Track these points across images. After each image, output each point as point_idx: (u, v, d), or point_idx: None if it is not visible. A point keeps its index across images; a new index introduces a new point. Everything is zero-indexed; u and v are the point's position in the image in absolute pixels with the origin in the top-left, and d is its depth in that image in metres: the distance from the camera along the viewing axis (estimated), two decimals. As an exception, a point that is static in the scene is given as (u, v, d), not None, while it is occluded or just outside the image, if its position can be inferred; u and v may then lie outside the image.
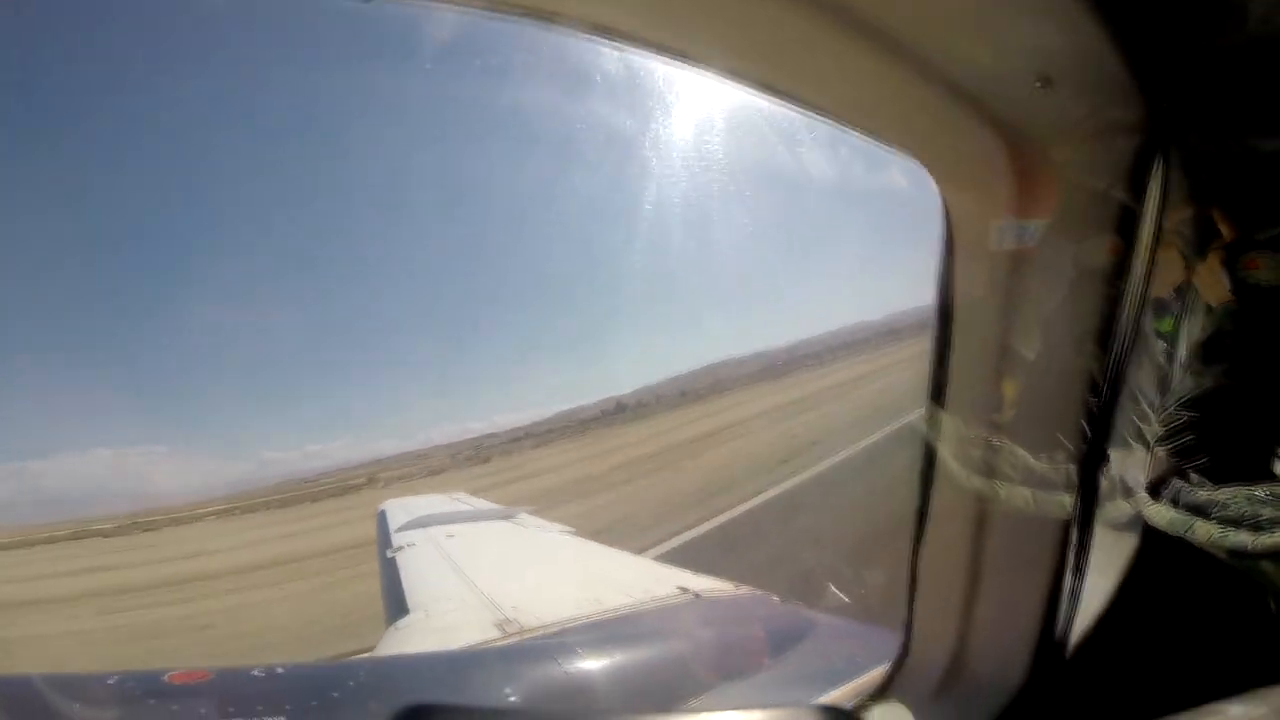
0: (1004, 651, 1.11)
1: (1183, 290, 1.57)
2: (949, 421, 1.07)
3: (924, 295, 1.08)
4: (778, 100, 0.85)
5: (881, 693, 1.20)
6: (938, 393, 1.07)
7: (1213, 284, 1.36)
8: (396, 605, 2.85)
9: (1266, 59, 1.03)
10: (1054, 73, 0.83)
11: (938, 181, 0.98)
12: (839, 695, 1.25)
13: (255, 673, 1.75)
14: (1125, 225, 0.95)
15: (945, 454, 1.08)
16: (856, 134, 0.92)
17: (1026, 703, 1.08)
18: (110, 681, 1.65)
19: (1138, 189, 0.94)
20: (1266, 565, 1.16)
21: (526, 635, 2.24)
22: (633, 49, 0.81)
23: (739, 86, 0.85)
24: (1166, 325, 1.62)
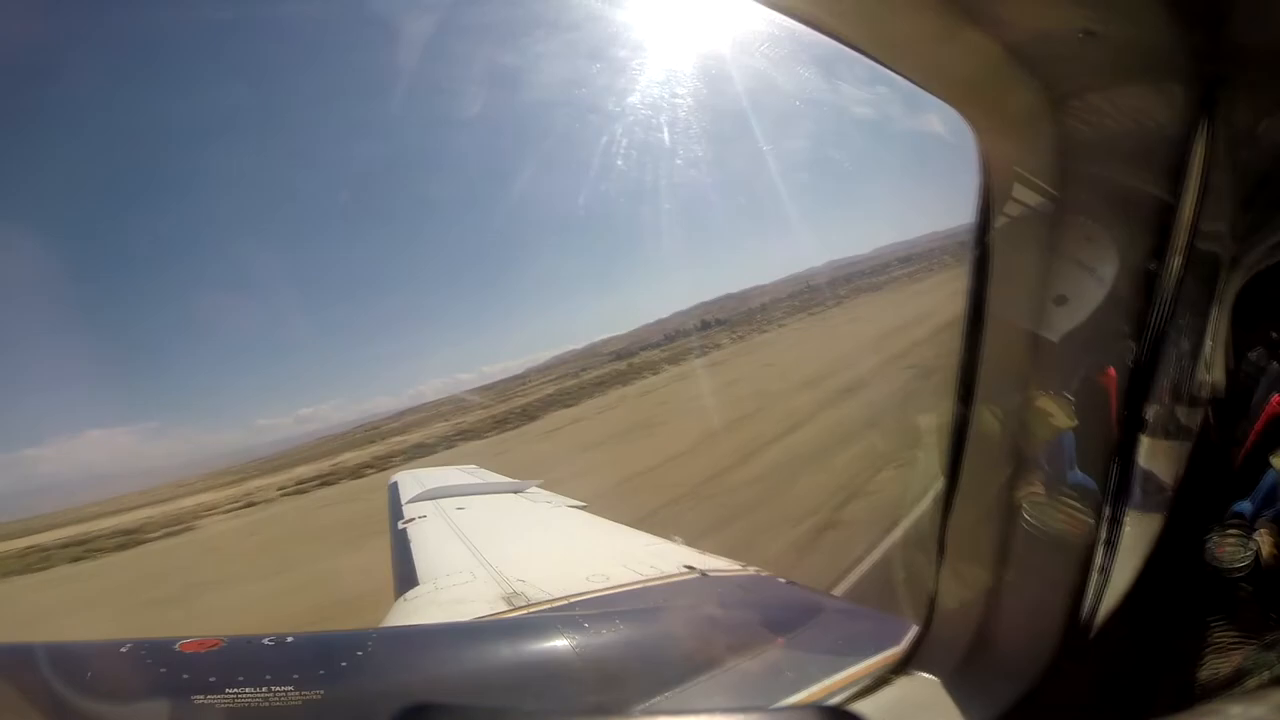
0: (1030, 629, 1.10)
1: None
2: (982, 391, 1.04)
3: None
4: (824, 35, 0.84)
5: (905, 665, 1.20)
6: (970, 357, 1.04)
7: None
8: (406, 576, 2.89)
9: None
10: (1097, 24, 0.80)
11: (976, 133, 0.95)
12: (839, 680, 1.24)
13: (265, 641, 1.77)
14: (1166, 197, 0.90)
15: (977, 426, 1.06)
16: (901, 79, 0.89)
17: (1052, 679, 1.08)
18: (123, 649, 1.68)
19: (1180, 160, 0.89)
20: None
21: (533, 609, 2.26)
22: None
23: (787, 20, 0.84)
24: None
